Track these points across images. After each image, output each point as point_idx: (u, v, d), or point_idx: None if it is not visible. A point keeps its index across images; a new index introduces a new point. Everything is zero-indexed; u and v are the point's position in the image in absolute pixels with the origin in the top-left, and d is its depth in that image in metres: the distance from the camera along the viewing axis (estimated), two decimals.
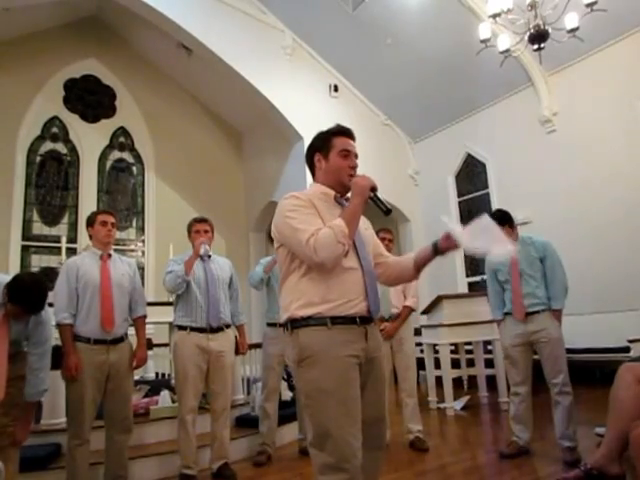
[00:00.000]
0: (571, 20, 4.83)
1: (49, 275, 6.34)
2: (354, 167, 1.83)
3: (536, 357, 3.38)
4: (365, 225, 1.91)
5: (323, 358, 1.63)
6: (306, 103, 7.69)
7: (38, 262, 7.45)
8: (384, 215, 1.79)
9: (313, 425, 1.64)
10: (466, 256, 8.28)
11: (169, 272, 3.24)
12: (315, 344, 1.64)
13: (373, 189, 1.75)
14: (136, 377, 6.00)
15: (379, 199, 1.77)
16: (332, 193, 1.83)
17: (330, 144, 1.83)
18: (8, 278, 2.40)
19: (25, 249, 7.51)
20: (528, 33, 4.89)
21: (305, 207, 1.72)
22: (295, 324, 1.70)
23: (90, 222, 3.12)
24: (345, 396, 1.61)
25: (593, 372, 5.90)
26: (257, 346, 4.91)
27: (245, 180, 9.92)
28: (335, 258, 1.62)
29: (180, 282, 3.19)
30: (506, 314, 3.49)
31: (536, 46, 4.91)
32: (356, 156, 1.86)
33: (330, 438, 1.58)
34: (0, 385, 2.36)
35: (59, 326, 2.91)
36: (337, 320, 1.65)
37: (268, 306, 3.83)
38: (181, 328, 3.26)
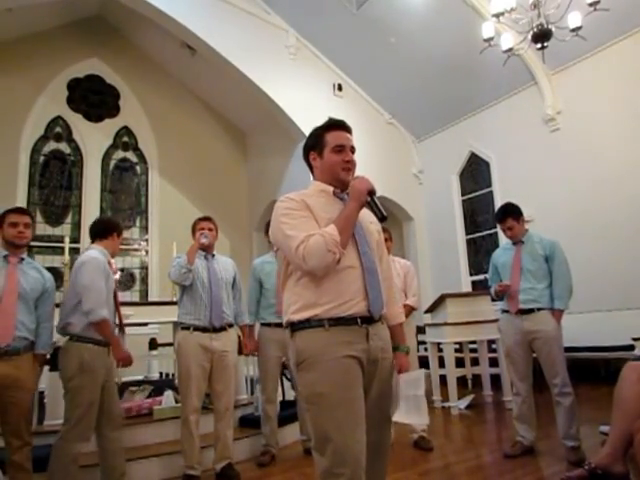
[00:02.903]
0: (574, 19, 4.83)
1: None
2: (349, 161, 1.77)
3: (535, 356, 3.38)
4: (370, 219, 1.85)
5: (319, 360, 1.60)
6: (310, 102, 7.68)
7: (42, 262, 7.48)
8: (380, 221, 1.77)
9: (313, 429, 1.61)
10: (470, 255, 8.27)
11: (173, 265, 3.28)
12: (312, 347, 1.62)
13: (371, 193, 1.70)
14: (140, 377, 6.05)
15: (376, 204, 1.72)
16: (331, 189, 1.78)
17: (323, 141, 1.78)
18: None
19: (29, 249, 7.53)
20: (531, 32, 4.89)
21: (298, 210, 1.68)
22: (293, 327, 1.68)
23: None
24: (343, 398, 1.56)
25: (598, 370, 5.89)
26: None
27: (249, 179, 9.92)
28: (325, 266, 1.58)
29: (185, 272, 3.20)
30: (504, 311, 3.50)
31: (539, 45, 4.91)
32: (352, 149, 1.80)
33: (329, 442, 1.54)
34: (8, 325, 2.51)
35: (98, 323, 2.76)
36: (335, 322, 1.61)
37: (261, 305, 3.76)
38: (184, 327, 3.28)
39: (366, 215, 1.82)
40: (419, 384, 1.81)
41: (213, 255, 3.47)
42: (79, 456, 2.77)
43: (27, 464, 2.61)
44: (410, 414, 1.78)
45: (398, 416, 1.76)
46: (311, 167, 1.87)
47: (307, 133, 1.90)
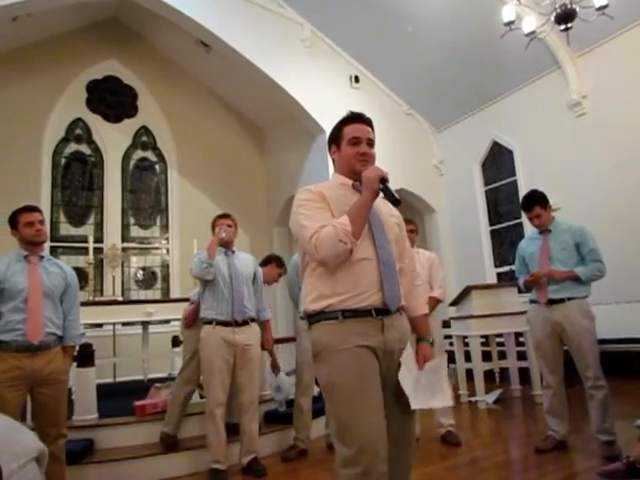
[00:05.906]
0: None
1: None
2: (365, 153, 1.76)
3: (567, 348, 3.27)
4: (391, 212, 1.84)
5: (333, 351, 1.62)
6: (327, 95, 7.60)
7: (66, 262, 7.55)
8: (393, 205, 1.74)
9: (333, 418, 1.65)
10: (494, 246, 8.12)
11: (194, 261, 3.28)
12: (326, 338, 1.64)
13: (383, 180, 1.67)
14: (163, 374, 6.12)
15: (388, 189, 1.69)
16: (350, 182, 1.80)
17: (341, 134, 1.81)
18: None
19: (53, 250, 7.66)
20: (554, 13, 4.72)
21: (314, 201, 1.71)
22: (311, 319, 1.71)
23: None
24: (358, 387, 1.58)
25: (631, 363, 5.70)
26: (283, 341, 4.90)
27: (267, 175, 9.91)
28: (336, 256, 1.60)
29: (205, 267, 3.20)
30: (532, 302, 3.40)
31: (563, 26, 4.74)
32: (369, 141, 1.79)
33: (346, 431, 1.56)
34: (37, 323, 2.59)
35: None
36: (349, 313, 1.62)
37: (300, 297, 3.75)
38: (207, 322, 3.28)
39: (386, 208, 1.82)
40: (440, 369, 1.79)
41: (233, 251, 3.47)
42: None
43: (62, 455, 2.70)
44: (433, 398, 1.73)
45: (420, 403, 1.69)
46: (334, 161, 1.90)
47: (324, 126, 1.90)
